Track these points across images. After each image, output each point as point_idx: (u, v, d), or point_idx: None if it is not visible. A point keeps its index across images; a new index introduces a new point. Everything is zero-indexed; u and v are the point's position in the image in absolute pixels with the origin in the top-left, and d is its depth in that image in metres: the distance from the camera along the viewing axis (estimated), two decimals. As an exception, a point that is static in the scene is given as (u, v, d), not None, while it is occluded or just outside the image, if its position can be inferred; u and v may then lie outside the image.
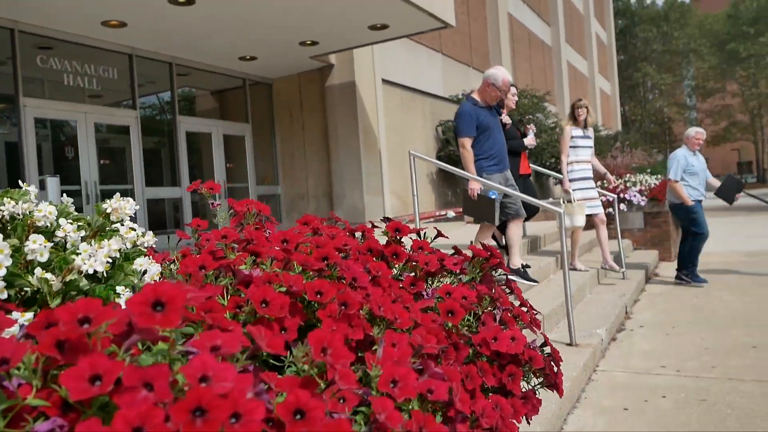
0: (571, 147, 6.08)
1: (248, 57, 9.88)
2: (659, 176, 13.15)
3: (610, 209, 8.89)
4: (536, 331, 1.18)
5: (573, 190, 5.99)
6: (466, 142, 4.46)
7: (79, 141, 8.19)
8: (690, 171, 6.54)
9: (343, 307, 0.83)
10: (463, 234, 7.86)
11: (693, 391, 3.35)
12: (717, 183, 6.85)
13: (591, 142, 6.23)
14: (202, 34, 8.47)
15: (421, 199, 13.38)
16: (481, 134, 4.49)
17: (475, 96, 4.64)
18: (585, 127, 6.14)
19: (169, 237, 1.55)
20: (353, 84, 10.67)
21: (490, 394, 0.94)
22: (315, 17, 8.14)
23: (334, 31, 8.87)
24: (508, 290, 1.25)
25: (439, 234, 1.38)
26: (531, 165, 6.25)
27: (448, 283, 1.11)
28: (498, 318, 1.05)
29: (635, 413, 3.11)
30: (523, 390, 1.01)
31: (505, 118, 5.30)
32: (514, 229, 4.65)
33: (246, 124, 11.15)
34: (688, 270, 6.63)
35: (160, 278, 1.08)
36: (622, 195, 8.68)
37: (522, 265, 4.66)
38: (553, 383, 1.08)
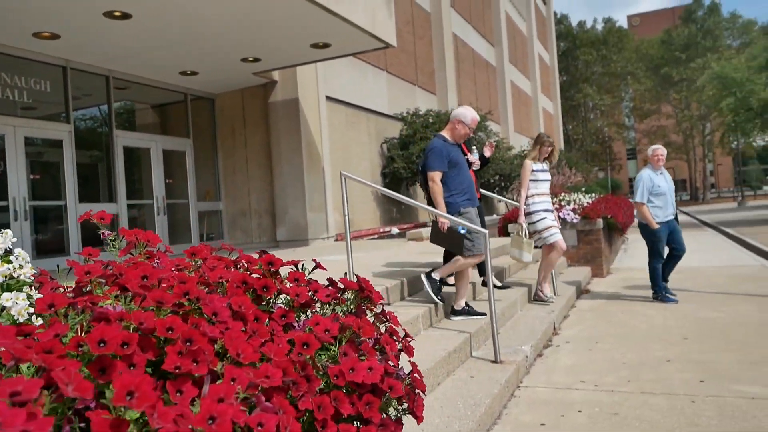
0: (531, 180, 6.12)
1: (189, 72, 9.78)
2: (594, 195, 13.63)
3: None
4: (391, 360, 1.21)
5: (535, 222, 6.08)
6: (437, 176, 4.59)
7: (8, 155, 7.91)
8: (656, 192, 6.53)
9: (188, 344, 0.86)
10: (399, 253, 7.94)
11: (607, 405, 3.49)
12: None
13: (549, 176, 6.33)
14: (141, 48, 8.35)
15: (365, 215, 13.48)
16: (453, 170, 4.65)
17: (445, 134, 4.83)
18: (543, 161, 6.24)
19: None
20: (296, 100, 10.69)
21: (355, 423, 0.98)
22: (257, 34, 8.15)
23: (276, 49, 8.89)
24: (385, 319, 1.30)
25: (318, 266, 1.42)
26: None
27: (320, 314, 1.15)
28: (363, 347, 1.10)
29: (551, 428, 3.22)
30: (393, 417, 1.05)
31: (471, 157, 5.35)
32: (468, 265, 4.73)
33: (187, 139, 11.00)
34: (657, 290, 6.70)
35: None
36: (556, 213, 8.96)
37: (467, 303, 4.76)
38: (412, 410, 1.13)
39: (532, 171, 6.13)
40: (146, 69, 9.43)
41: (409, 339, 1.28)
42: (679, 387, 3.73)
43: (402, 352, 1.23)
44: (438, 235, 4.64)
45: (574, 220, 8.94)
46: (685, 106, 42.56)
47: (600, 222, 8.92)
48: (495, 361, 3.98)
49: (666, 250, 6.76)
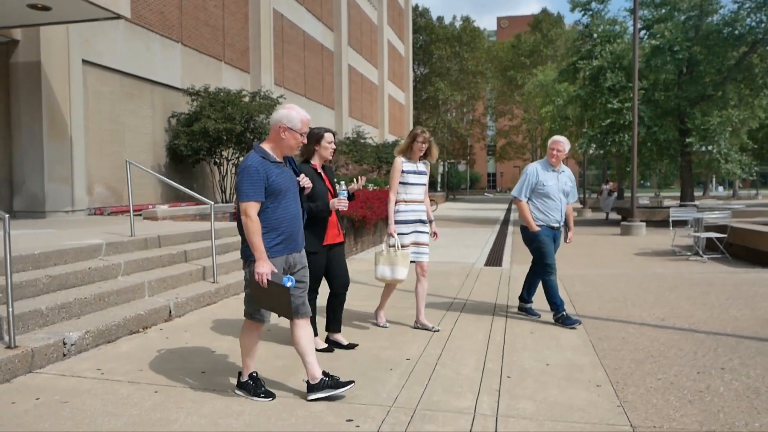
0: (401, 183, 5.14)
1: None
2: (369, 186, 14.12)
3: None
4: None
5: (401, 234, 5.11)
6: (251, 209, 3.33)
7: None
8: (540, 190, 5.49)
9: None
10: (96, 232, 7.57)
11: (81, 393, 3.58)
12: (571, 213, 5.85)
13: (424, 179, 5.27)
14: None
15: (142, 190, 12.87)
16: (270, 199, 3.42)
17: (266, 146, 3.50)
18: (420, 160, 5.26)
19: None
20: (39, 63, 10.04)
21: None
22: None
23: (-10, 5, 8.25)
24: None
25: None
26: None
27: None
28: None
29: (-16, 417, 3.25)
30: None
31: (304, 181, 3.79)
32: (300, 333, 3.56)
33: None
34: (557, 311, 5.55)
35: None
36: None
37: (325, 372, 3.59)
38: None
39: (403, 172, 5.15)
40: None
41: None
42: (177, 375, 3.93)
43: None
44: (258, 292, 3.40)
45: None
46: (525, 108, 45.44)
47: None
48: (9, 347, 3.96)
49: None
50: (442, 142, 47.38)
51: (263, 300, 3.42)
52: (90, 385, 3.73)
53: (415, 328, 5.38)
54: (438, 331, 5.28)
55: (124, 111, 12.40)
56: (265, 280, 3.31)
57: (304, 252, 3.70)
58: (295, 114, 3.48)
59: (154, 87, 13.43)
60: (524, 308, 6.00)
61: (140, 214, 12.25)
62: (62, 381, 3.81)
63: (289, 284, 3.32)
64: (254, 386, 3.58)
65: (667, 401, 3.58)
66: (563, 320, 5.48)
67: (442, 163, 52.62)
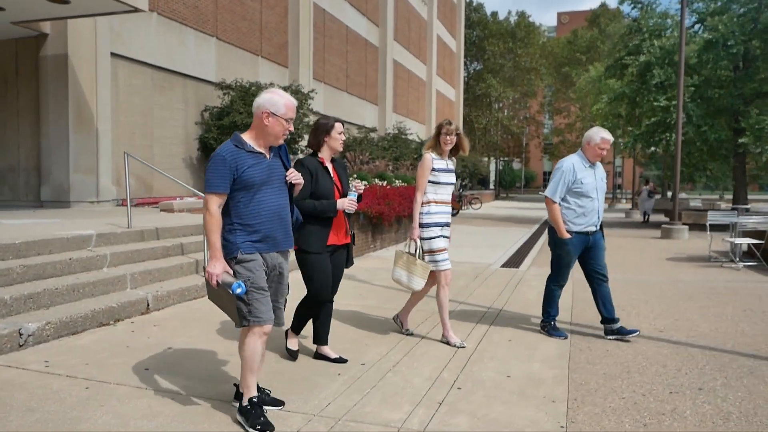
0: (430, 182, 4.66)
1: (-65, 14, 9.27)
2: (396, 183, 13.89)
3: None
4: None
5: (429, 239, 4.64)
6: (211, 202, 3.03)
7: None
8: (577, 189, 4.87)
9: None
10: (93, 223, 7.65)
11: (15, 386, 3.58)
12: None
13: (453, 178, 4.81)
14: None
15: (173, 182, 13.00)
16: (242, 192, 3.08)
17: (246, 135, 3.16)
18: (449, 157, 4.82)
19: None
20: (66, 56, 10.33)
21: None
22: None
23: (14, -1, 8.53)
24: None
25: None
26: None
27: None
28: None
29: None
30: None
31: (292, 176, 3.29)
32: (250, 344, 3.15)
33: (-55, 85, 10.47)
34: (545, 319, 5.18)
35: None
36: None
37: (260, 389, 3.35)
38: None
39: (433, 170, 4.67)
40: None
41: None
42: (116, 372, 3.87)
43: None
44: (210, 290, 3.20)
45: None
46: (581, 106, 44.00)
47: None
48: (-42, 337, 4.00)
49: (571, 273, 5.20)
50: (495, 139, 46.47)
51: (217, 299, 3.21)
52: (27, 378, 3.72)
53: (441, 341, 4.86)
54: (411, 334, 5.03)
55: (156, 104, 12.63)
56: (215, 281, 3.04)
57: (287, 257, 3.34)
58: (278, 98, 3.13)
59: (186, 80, 13.62)
60: (612, 330, 5.02)
61: (158, 206, 12.49)
62: (2, 373, 3.81)
63: (238, 291, 2.97)
64: (254, 413, 3.10)
65: (619, 423, 3.25)
66: (549, 330, 5.14)
67: (494, 160, 51.68)
